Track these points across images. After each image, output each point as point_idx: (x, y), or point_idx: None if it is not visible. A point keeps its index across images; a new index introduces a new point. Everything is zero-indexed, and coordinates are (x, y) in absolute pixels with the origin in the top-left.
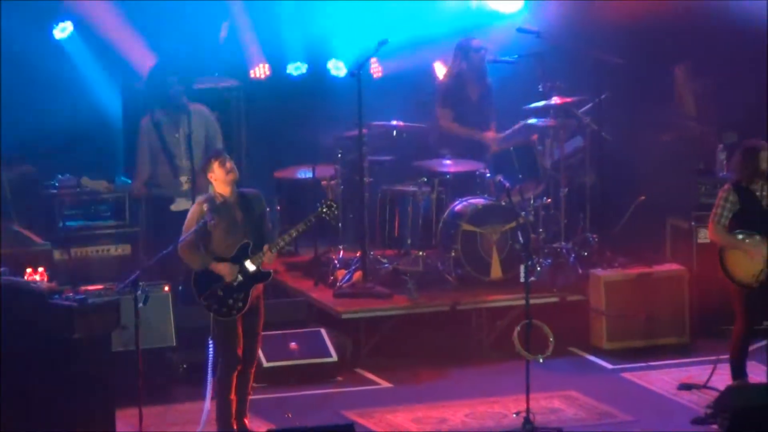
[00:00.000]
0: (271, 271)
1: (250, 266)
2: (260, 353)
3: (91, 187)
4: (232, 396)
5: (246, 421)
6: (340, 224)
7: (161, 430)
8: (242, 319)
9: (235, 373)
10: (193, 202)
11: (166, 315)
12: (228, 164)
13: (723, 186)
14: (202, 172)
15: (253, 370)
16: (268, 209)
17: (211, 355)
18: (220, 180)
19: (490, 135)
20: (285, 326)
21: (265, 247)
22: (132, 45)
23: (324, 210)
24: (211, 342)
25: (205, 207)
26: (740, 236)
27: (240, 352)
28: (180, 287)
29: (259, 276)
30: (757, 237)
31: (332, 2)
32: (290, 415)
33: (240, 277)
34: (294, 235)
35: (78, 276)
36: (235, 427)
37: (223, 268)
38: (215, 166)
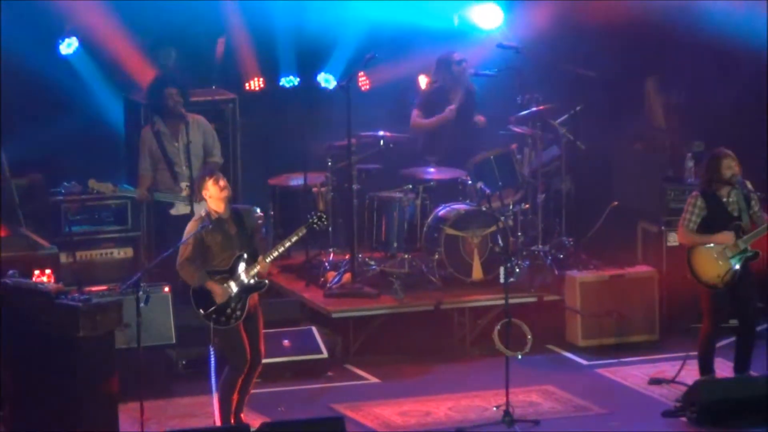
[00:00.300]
0: (266, 281)
1: (245, 277)
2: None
3: (97, 189)
4: (235, 396)
5: (242, 415)
6: (330, 228)
7: (162, 423)
8: (243, 325)
9: (242, 376)
10: (192, 208)
11: (167, 314)
12: (221, 182)
13: (692, 192)
14: (197, 190)
15: (259, 370)
16: (260, 221)
17: (212, 362)
18: (214, 197)
19: (447, 111)
20: (278, 325)
21: (260, 257)
22: (133, 59)
23: (315, 222)
24: (211, 349)
25: (191, 224)
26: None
27: (247, 354)
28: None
29: (254, 286)
30: (724, 233)
31: (323, 19)
32: (283, 409)
33: (236, 289)
34: (287, 245)
35: (83, 278)
36: (232, 422)
37: (216, 290)
38: (209, 183)
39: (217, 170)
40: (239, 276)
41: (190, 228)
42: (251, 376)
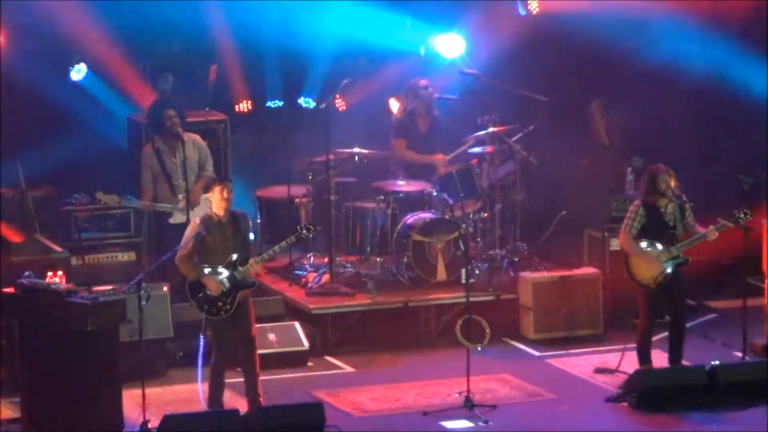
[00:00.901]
0: (255, 280)
1: (237, 275)
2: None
3: (104, 200)
4: (223, 380)
5: (261, 400)
6: (311, 234)
7: (161, 407)
8: (233, 318)
9: (225, 362)
10: (188, 216)
11: (165, 311)
12: (225, 192)
13: (634, 202)
14: (204, 191)
15: (255, 355)
16: (250, 223)
17: (201, 348)
18: (217, 201)
19: (439, 157)
20: (265, 320)
21: (252, 259)
22: (135, 84)
23: (303, 232)
24: (201, 337)
25: (192, 223)
26: (644, 244)
27: (230, 345)
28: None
29: (244, 284)
30: (659, 247)
31: (305, 49)
32: (266, 394)
33: (228, 285)
34: (277, 250)
35: (91, 278)
36: (249, 407)
37: (211, 283)
38: (217, 189)
39: (227, 180)
40: (232, 274)
41: (192, 228)
42: (248, 362)
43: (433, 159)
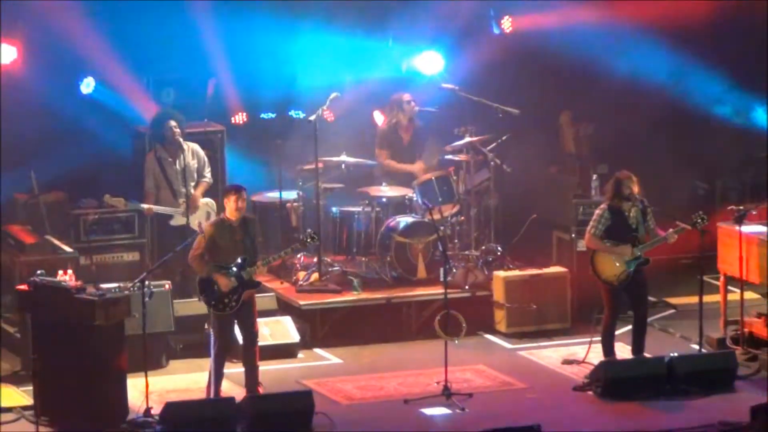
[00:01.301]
0: (260, 281)
1: (244, 275)
2: (238, 335)
3: (111, 202)
4: (222, 370)
5: (259, 389)
6: (301, 236)
7: (162, 395)
8: (237, 314)
9: (224, 354)
10: (188, 219)
11: (167, 306)
12: (241, 200)
13: (600, 206)
14: (223, 196)
15: (256, 348)
16: (259, 228)
17: (212, 343)
18: (232, 208)
19: (417, 167)
20: (259, 315)
21: (258, 262)
22: (139, 97)
23: (308, 240)
24: (210, 331)
25: (207, 225)
26: (608, 243)
27: (229, 339)
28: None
29: (250, 284)
30: (622, 246)
31: (295, 64)
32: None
33: (235, 283)
34: (283, 255)
35: (98, 277)
36: (246, 394)
37: (222, 280)
38: (232, 198)
39: (242, 191)
40: (240, 274)
41: (206, 229)
42: (250, 355)
43: (412, 168)
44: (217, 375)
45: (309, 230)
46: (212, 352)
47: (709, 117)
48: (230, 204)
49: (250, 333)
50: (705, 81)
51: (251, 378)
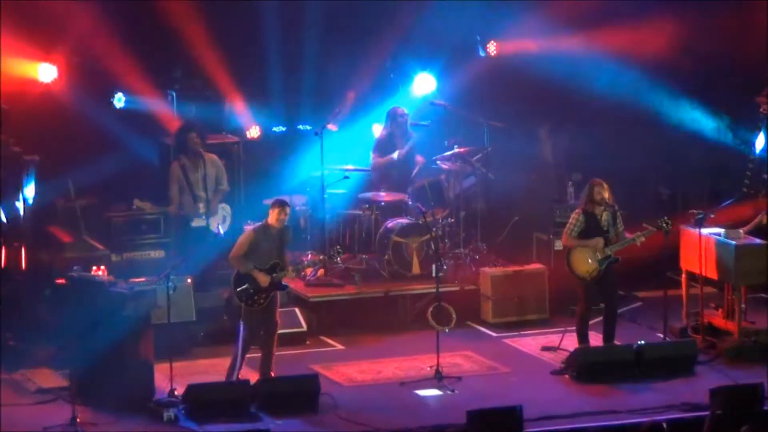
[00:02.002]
0: (288, 285)
1: (276, 278)
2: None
3: (139, 206)
4: (244, 359)
5: (272, 373)
6: (308, 236)
7: (185, 378)
8: (264, 310)
9: (251, 344)
10: (207, 222)
11: (189, 298)
12: (284, 213)
13: (575, 210)
14: (270, 207)
15: (275, 337)
16: (291, 236)
17: (241, 333)
18: (275, 219)
19: (397, 154)
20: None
21: (290, 268)
22: (164, 112)
23: (334, 254)
24: (240, 323)
25: (250, 230)
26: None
27: (257, 331)
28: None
29: (279, 286)
30: (595, 239)
31: (302, 82)
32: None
33: (269, 283)
34: (311, 265)
35: (128, 272)
36: (260, 377)
37: (261, 277)
38: (279, 209)
39: (287, 206)
40: (272, 276)
41: (247, 233)
42: (269, 342)
43: (392, 156)
44: (242, 361)
45: (337, 246)
46: (240, 340)
47: (670, 130)
48: (274, 215)
49: (272, 323)
50: (663, 97)
51: (267, 363)
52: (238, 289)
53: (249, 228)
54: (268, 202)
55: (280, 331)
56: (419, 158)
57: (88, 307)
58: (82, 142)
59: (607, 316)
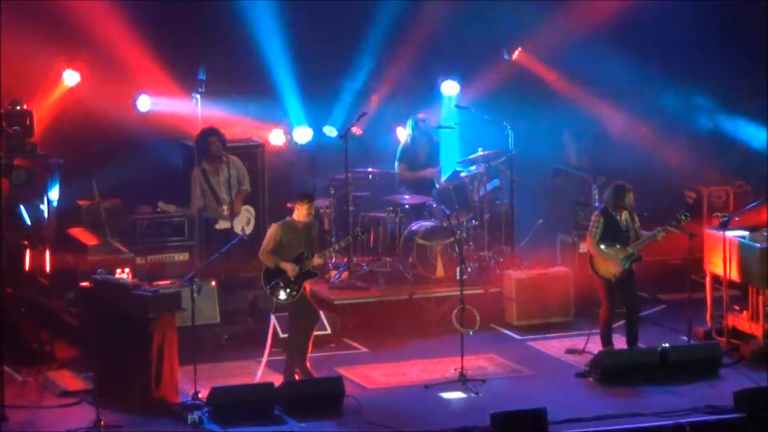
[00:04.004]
0: (318, 272)
1: (303, 267)
2: (277, 327)
3: (164, 208)
4: (309, 350)
5: (308, 363)
6: (333, 239)
7: (210, 381)
8: (298, 301)
9: (302, 335)
10: (231, 223)
11: (213, 301)
12: (312, 208)
13: (594, 212)
14: (295, 201)
15: (314, 327)
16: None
17: (273, 325)
18: (302, 214)
19: (429, 171)
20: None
21: (316, 254)
22: (188, 114)
23: (358, 234)
24: (271, 316)
25: (275, 226)
26: (603, 246)
27: (312, 313)
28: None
29: (309, 275)
30: (617, 246)
31: (327, 87)
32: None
33: (297, 272)
34: (336, 248)
35: (152, 275)
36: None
37: (288, 267)
38: (307, 204)
39: (314, 202)
40: (301, 265)
41: (273, 228)
42: (311, 330)
43: (425, 173)
44: (305, 353)
45: (358, 228)
46: (290, 339)
47: (694, 133)
48: (303, 210)
49: (312, 312)
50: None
51: (303, 354)
52: (269, 285)
53: (274, 224)
54: (291, 204)
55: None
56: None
57: (113, 311)
58: (106, 144)
59: (630, 319)
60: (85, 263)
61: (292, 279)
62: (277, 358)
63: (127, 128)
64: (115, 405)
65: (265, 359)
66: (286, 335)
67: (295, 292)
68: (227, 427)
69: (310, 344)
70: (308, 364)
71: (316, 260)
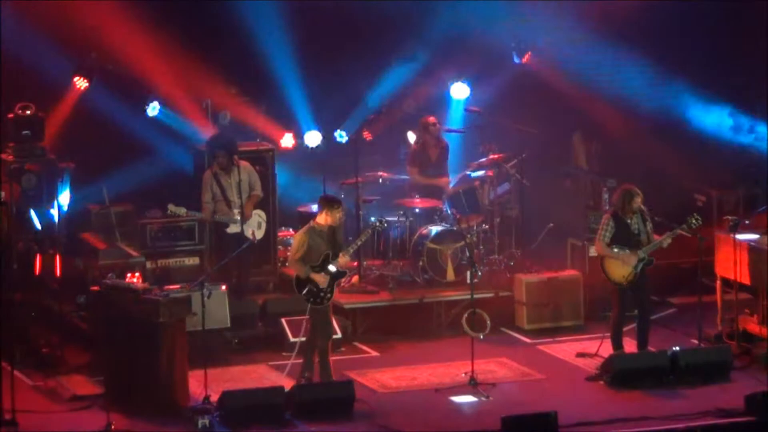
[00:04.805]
0: (347, 270)
1: (332, 269)
2: (287, 331)
3: (174, 211)
4: (329, 358)
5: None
6: (384, 227)
7: (220, 385)
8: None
9: (328, 343)
10: (242, 228)
11: (223, 305)
12: (339, 214)
13: (603, 216)
14: (323, 206)
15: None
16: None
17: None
18: (330, 218)
19: (444, 180)
20: (305, 313)
21: (341, 254)
22: (198, 119)
23: (377, 225)
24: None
25: (300, 232)
26: (615, 249)
27: (332, 327)
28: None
29: (339, 274)
30: (627, 250)
31: (337, 91)
32: (308, 374)
33: (328, 278)
34: (359, 243)
35: (162, 279)
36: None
37: (318, 278)
38: (337, 210)
39: (341, 205)
40: (329, 269)
41: (299, 235)
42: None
43: (438, 182)
44: (326, 365)
45: (378, 219)
46: (318, 344)
47: (703, 137)
48: (334, 214)
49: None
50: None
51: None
52: (303, 293)
53: (300, 231)
54: (303, 208)
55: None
56: (445, 180)
57: (123, 315)
58: (116, 149)
59: (641, 322)
60: (96, 267)
61: (327, 283)
62: (282, 362)
63: (138, 132)
64: (126, 409)
65: (292, 360)
66: (295, 339)
67: (329, 295)
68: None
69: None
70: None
71: (342, 259)
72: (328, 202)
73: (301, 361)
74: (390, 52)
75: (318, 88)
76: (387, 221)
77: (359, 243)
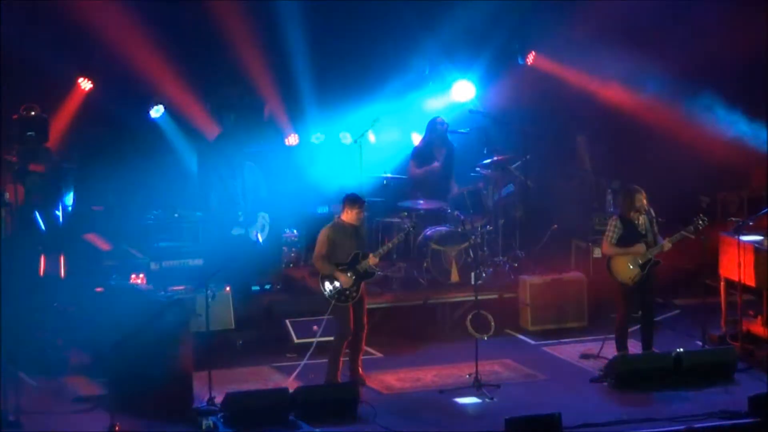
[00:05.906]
0: (376, 270)
1: (359, 269)
2: (292, 332)
3: (180, 214)
4: (341, 358)
5: (360, 371)
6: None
7: (224, 386)
8: (354, 305)
9: (346, 342)
10: (246, 230)
11: (228, 307)
12: (361, 212)
13: (612, 216)
14: (345, 204)
15: (365, 334)
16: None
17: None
18: (353, 216)
19: (436, 165)
20: (309, 315)
21: (370, 254)
22: (203, 120)
23: (411, 229)
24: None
25: (326, 229)
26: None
27: (351, 326)
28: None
29: (366, 274)
30: (637, 246)
31: (341, 91)
32: (312, 376)
33: (354, 277)
34: (391, 246)
35: (167, 280)
36: (350, 377)
37: (342, 278)
38: (358, 208)
39: (364, 204)
40: (356, 268)
41: (324, 232)
42: (360, 339)
43: (432, 167)
44: (336, 362)
45: (411, 224)
46: (334, 341)
47: (711, 136)
48: (355, 212)
49: (362, 321)
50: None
51: (355, 362)
52: (328, 288)
53: (324, 228)
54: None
55: (318, 339)
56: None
57: (127, 316)
58: (120, 149)
59: (645, 324)
60: (100, 268)
61: (352, 282)
62: (314, 361)
63: (142, 133)
64: (130, 410)
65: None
66: (300, 340)
67: (354, 294)
68: None
69: (350, 355)
70: (360, 371)
71: (372, 260)
72: (348, 200)
73: (312, 362)
74: (400, 51)
75: (323, 88)
76: (417, 227)
77: (390, 246)
